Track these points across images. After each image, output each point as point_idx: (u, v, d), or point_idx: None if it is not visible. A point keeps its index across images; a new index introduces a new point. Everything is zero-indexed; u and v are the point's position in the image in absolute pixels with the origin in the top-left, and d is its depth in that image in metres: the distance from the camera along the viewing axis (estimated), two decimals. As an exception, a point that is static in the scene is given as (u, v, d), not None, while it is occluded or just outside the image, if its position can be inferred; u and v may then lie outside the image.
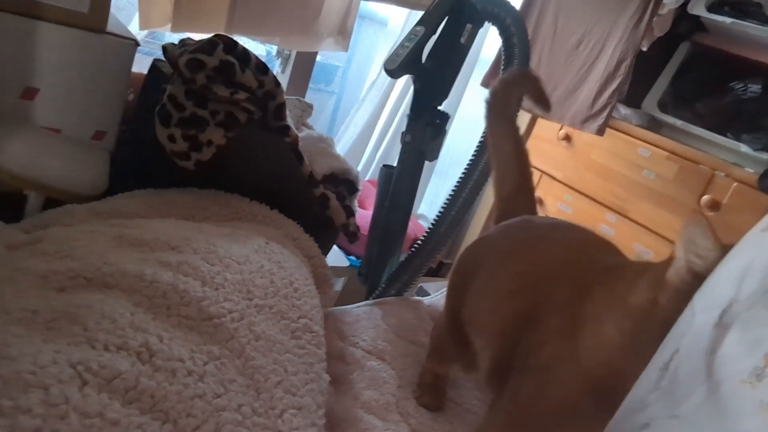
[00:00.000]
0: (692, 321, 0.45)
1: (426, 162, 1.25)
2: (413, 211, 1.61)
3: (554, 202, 2.02)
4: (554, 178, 2.03)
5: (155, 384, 0.48)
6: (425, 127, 1.19)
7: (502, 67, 1.19)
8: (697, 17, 1.77)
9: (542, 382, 0.61)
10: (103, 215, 0.81)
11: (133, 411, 0.45)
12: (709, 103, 1.80)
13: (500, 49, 1.20)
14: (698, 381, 0.40)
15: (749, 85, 1.75)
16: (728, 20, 1.66)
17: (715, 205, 1.61)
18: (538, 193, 2.06)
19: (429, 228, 1.24)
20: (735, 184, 1.58)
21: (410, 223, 1.33)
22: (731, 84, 1.76)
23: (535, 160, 2.09)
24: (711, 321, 0.42)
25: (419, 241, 1.25)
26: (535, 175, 2.08)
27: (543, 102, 0.99)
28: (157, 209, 0.83)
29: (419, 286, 1.86)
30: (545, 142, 2.08)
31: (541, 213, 2.04)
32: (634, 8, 1.72)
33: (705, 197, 1.63)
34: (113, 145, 1.05)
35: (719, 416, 0.37)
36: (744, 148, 1.63)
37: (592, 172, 1.93)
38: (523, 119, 2.13)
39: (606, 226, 1.85)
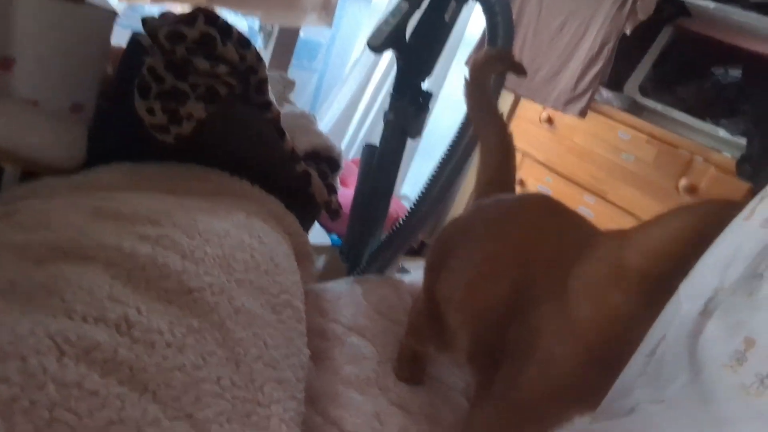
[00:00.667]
0: (678, 309, 0.46)
1: (409, 141, 1.25)
2: (396, 191, 1.61)
3: (535, 183, 2.03)
4: (536, 160, 2.04)
5: (134, 356, 0.48)
6: (408, 106, 1.19)
7: (486, 46, 1.18)
8: (681, 1, 1.77)
9: (542, 365, 0.61)
10: (80, 188, 0.80)
11: (111, 381, 0.45)
12: (690, 88, 1.82)
13: (484, 29, 1.20)
14: (682, 365, 0.41)
15: (730, 71, 1.76)
16: (712, 5, 1.67)
17: (692, 190, 1.63)
18: (520, 174, 2.07)
19: (411, 207, 1.24)
20: (712, 168, 1.61)
21: (392, 203, 1.33)
22: (712, 69, 1.78)
23: (517, 141, 2.09)
24: (696, 309, 0.43)
25: (401, 220, 1.25)
26: (517, 156, 2.09)
27: (517, 68, 1.01)
28: (135, 183, 0.82)
29: (401, 265, 1.87)
30: (528, 124, 2.09)
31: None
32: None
33: (683, 181, 1.65)
34: (91, 118, 1.04)
35: (703, 400, 0.38)
36: (722, 132, 1.65)
37: (573, 154, 1.94)
38: (506, 100, 2.14)
39: (585, 207, 1.87)
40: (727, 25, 1.75)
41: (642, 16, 1.80)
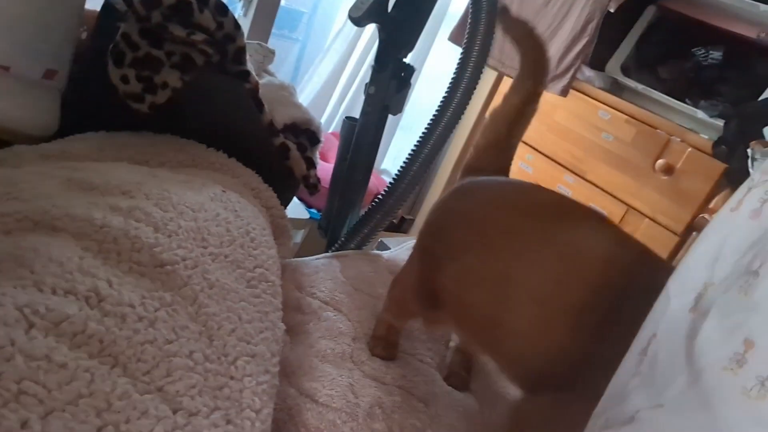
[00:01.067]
0: (667, 305, 0.45)
1: (390, 116, 1.24)
2: (376, 166, 1.61)
3: (515, 161, 2.03)
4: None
5: (104, 329, 0.48)
6: (390, 80, 1.18)
7: (470, 22, 1.17)
8: (665, -19, 1.77)
9: None
10: (52, 157, 0.78)
11: (81, 355, 0.45)
12: (670, 68, 1.83)
13: (468, 4, 1.18)
14: (679, 367, 0.40)
15: (711, 52, 1.77)
16: (694, -15, 1.67)
17: (668, 170, 1.65)
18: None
19: (390, 182, 1.24)
20: (689, 149, 1.62)
21: (372, 178, 1.33)
22: (693, 50, 1.79)
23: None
24: (686, 305, 0.42)
25: (380, 196, 1.25)
26: (498, 134, 2.09)
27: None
28: (108, 153, 0.80)
29: (380, 240, 1.88)
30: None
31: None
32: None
33: (660, 161, 1.67)
34: (65, 85, 1.01)
35: (703, 404, 0.37)
36: (701, 114, 1.66)
37: (553, 133, 1.95)
38: (488, 78, 2.13)
39: (564, 186, 1.88)
40: (709, 5, 1.75)
41: (626, -5, 1.80)
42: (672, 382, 0.39)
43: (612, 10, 1.77)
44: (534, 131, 1.99)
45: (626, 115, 1.78)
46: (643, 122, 1.74)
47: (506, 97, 0.88)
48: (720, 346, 0.38)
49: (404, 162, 1.23)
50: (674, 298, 0.45)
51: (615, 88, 1.92)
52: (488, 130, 0.90)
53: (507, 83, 2.07)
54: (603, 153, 1.82)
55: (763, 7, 1.57)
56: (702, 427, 0.36)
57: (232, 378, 0.56)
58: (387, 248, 1.53)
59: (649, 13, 1.92)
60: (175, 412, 0.48)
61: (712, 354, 0.38)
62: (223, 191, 0.80)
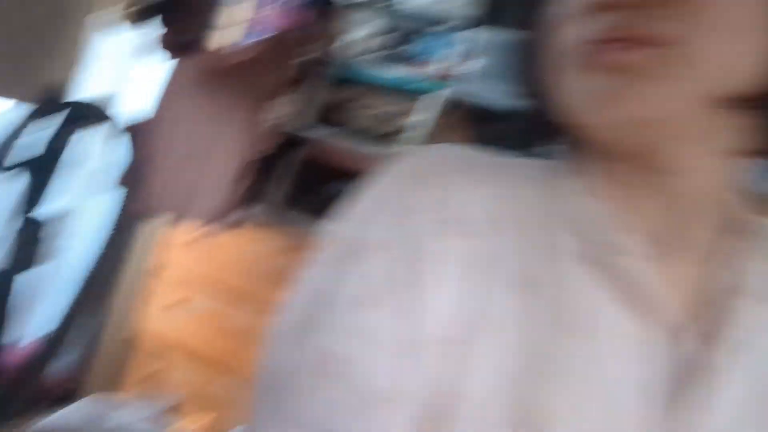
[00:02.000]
0: None
1: (27, 276, 1.11)
2: (17, 334, 1.39)
3: (175, 312, 1.99)
4: (196, 277, 2.04)
5: None
6: (23, 234, 1.07)
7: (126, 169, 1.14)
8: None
9: None
10: None
11: None
12: (310, 200, 2.07)
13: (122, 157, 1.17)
14: None
15: (342, 185, 2.06)
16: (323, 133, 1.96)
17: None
18: (180, 293, 2.01)
19: (29, 352, 1.08)
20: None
21: (14, 350, 1.15)
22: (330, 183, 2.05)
23: (175, 262, 2.04)
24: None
25: (22, 368, 1.08)
26: (178, 275, 2.01)
27: None
28: None
29: (41, 415, 1.60)
30: (180, 244, 2.09)
31: (178, 316, 1.97)
32: (251, 113, 1.91)
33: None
34: None
35: None
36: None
37: (227, 270, 2.00)
38: (160, 224, 2.08)
39: (241, 321, 1.91)
40: (341, 151, 2.07)
41: (275, 140, 2.00)
42: None
43: (266, 152, 1.95)
44: (210, 268, 2.01)
45: (292, 243, 1.93)
46: (307, 248, 1.89)
47: None
48: None
49: (46, 328, 1.10)
50: None
51: (278, 219, 2.08)
52: None
53: (177, 228, 2.06)
54: (277, 278, 1.90)
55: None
56: None
57: None
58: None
59: (298, 153, 2.17)
60: None
61: None
62: None
